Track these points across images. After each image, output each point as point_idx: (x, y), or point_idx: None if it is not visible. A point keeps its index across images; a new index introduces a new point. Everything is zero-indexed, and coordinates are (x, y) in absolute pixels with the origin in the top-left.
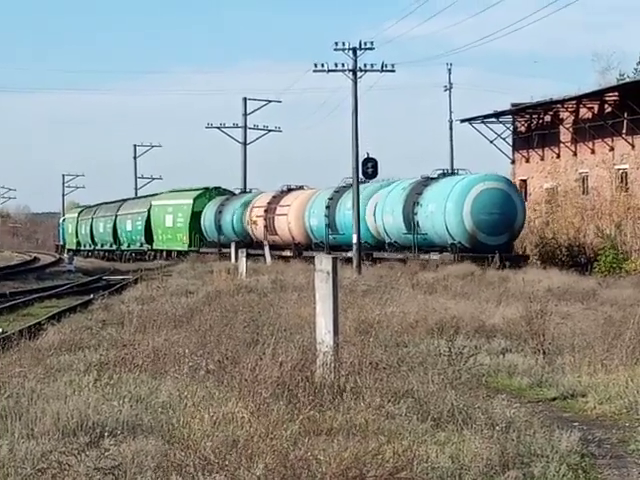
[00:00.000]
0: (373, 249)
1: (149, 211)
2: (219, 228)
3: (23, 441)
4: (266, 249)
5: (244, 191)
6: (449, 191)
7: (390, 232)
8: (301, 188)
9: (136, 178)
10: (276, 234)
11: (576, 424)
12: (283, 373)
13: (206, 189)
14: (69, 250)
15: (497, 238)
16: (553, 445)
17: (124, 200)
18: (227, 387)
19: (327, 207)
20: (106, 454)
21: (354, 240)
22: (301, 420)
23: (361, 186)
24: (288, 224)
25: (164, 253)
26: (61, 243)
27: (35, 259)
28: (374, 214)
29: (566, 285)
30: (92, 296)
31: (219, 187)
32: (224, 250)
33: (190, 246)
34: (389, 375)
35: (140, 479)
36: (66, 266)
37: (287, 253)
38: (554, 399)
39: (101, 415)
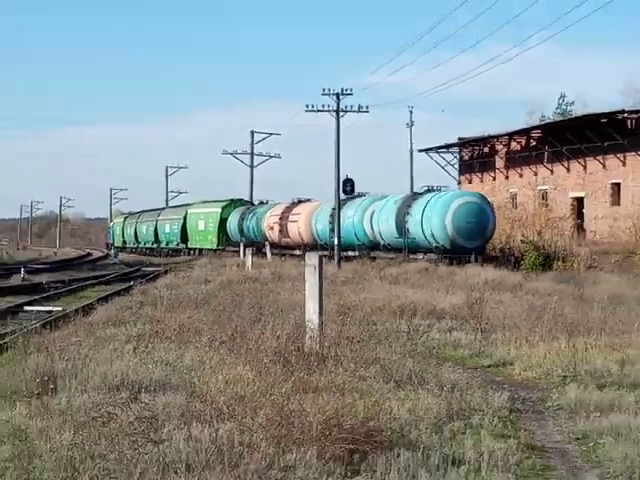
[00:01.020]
0: (369, 249)
1: (185, 217)
2: (242, 231)
3: (78, 395)
4: (267, 248)
5: (261, 203)
6: (434, 204)
7: (384, 236)
8: (308, 201)
9: (167, 192)
10: (288, 237)
11: (505, 386)
12: (280, 344)
13: (231, 200)
14: (115, 247)
15: (473, 242)
16: (488, 402)
17: (162, 208)
18: (236, 354)
19: (331, 215)
20: (143, 405)
21: (335, 242)
22: (293, 380)
23: (359, 199)
24: (298, 229)
25: (196, 251)
26: (110, 242)
27: (88, 254)
28: (370, 221)
29: (499, 278)
30: (132, 283)
31: (242, 199)
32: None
33: (218, 245)
34: (361, 347)
35: (168, 425)
36: (112, 259)
37: (297, 252)
38: (489, 366)
39: (139, 375)
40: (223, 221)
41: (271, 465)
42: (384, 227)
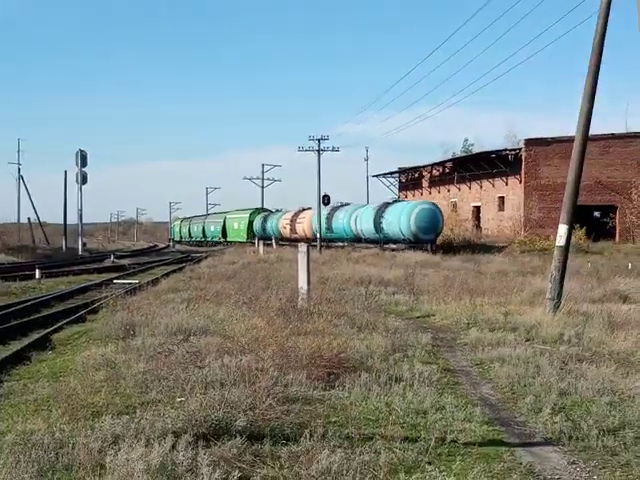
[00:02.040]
0: (354, 242)
1: (224, 220)
2: (264, 230)
3: (149, 338)
4: (273, 241)
5: (277, 210)
6: (401, 210)
7: (365, 233)
8: (309, 208)
9: (207, 204)
10: (296, 233)
11: (429, 330)
12: (281, 304)
13: (256, 209)
14: (174, 240)
15: (429, 236)
16: (418, 340)
17: (208, 214)
18: (253, 311)
19: (327, 218)
20: (191, 344)
21: (318, 236)
22: (290, 328)
23: (347, 206)
24: (303, 228)
25: (232, 243)
26: (172, 237)
27: (155, 246)
28: (355, 222)
29: (425, 260)
30: (184, 264)
31: (263, 207)
32: (267, 242)
33: (247, 239)
34: (335, 305)
35: (208, 357)
36: (171, 249)
37: (302, 243)
38: (418, 317)
39: (189, 324)
40: (250, 223)
41: (276, 383)
42: (365, 226)
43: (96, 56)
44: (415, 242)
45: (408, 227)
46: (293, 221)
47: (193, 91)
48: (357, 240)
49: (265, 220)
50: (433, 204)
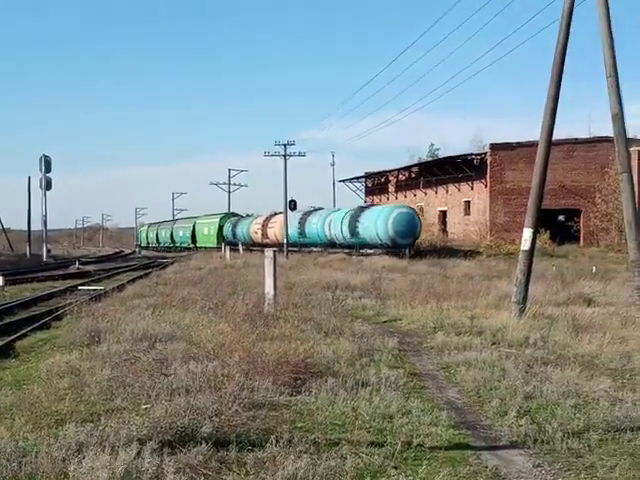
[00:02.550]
0: (328, 247)
1: (194, 226)
2: (234, 235)
3: (114, 344)
4: (240, 246)
5: (247, 215)
6: (378, 214)
7: (338, 238)
8: (281, 213)
9: (173, 209)
10: (268, 238)
11: (396, 334)
12: (248, 309)
13: (226, 214)
14: (140, 246)
15: (407, 240)
16: (384, 344)
17: (176, 219)
18: (219, 316)
19: (299, 223)
20: (156, 350)
21: (285, 241)
22: (257, 333)
23: (320, 210)
24: (275, 233)
25: (202, 248)
26: (138, 243)
27: (121, 251)
28: (329, 227)
29: (392, 264)
30: (150, 270)
31: (233, 212)
32: (235, 247)
33: (217, 244)
34: (302, 310)
35: (174, 363)
36: (137, 254)
37: (274, 248)
38: (385, 322)
39: (155, 331)
40: (220, 228)
41: (242, 389)
42: (339, 230)
43: (48, 57)
44: (393, 247)
45: (385, 232)
46: (265, 226)
47: (158, 97)
48: (331, 245)
49: (236, 225)
50: (410, 208)
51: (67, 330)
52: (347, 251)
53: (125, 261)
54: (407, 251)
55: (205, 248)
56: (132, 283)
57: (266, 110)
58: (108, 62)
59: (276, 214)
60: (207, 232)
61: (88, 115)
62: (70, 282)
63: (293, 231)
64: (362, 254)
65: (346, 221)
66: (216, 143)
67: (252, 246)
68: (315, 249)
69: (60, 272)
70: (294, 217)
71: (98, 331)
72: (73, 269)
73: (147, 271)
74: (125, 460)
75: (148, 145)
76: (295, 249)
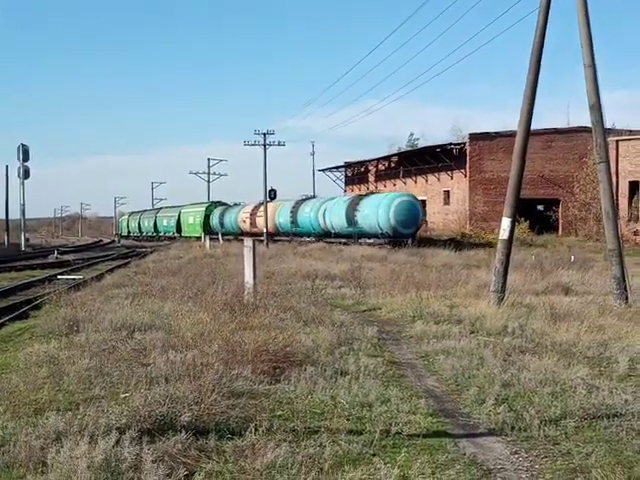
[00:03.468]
0: (323, 237)
1: (179, 215)
2: (222, 225)
3: (93, 334)
4: (219, 235)
5: (235, 204)
6: (379, 202)
7: (336, 227)
8: (271, 201)
9: (152, 199)
10: (257, 227)
11: (375, 323)
12: (227, 298)
13: (212, 202)
14: (120, 235)
15: (409, 230)
16: (364, 333)
17: (160, 208)
18: (198, 306)
19: (291, 211)
20: (136, 340)
21: (264, 231)
22: (236, 322)
23: (313, 199)
24: (264, 222)
25: (188, 238)
26: (119, 232)
27: (100, 241)
28: (323, 216)
29: (372, 253)
30: (129, 260)
31: (220, 201)
32: (225, 237)
33: (203, 234)
34: (281, 299)
35: (153, 352)
36: (116, 244)
37: (262, 238)
38: (364, 311)
39: (134, 320)
40: (207, 217)
41: (221, 377)
42: (335, 220)
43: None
44: (394, 237)
45: (387, 221)
46: (253, 215)
47: (138, 85)
48: (326, 235)
49: (223, 214)
50: (412, 196)
51: (46, 320)
52: (344, 241)
53: (104, 250)
54: (410, 241)
55: (191, 238)
56: (111, 272)
57: (246, 99)
58: (91, 53)
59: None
60: (193, 221)
61: (67, 104)
62: (49, 271)
63: (285, 220)
64: (361, 244)
65: (343, 210)
66: (196, 132)
67: (240, 235)
68: (308, 239)
69: (39, 261)
70: (286, 206)
71: (77, 320)
72: (52, 258)
73: (126, 260)
74: (104, 449)
75: (127, 134)
76: (287, 239)
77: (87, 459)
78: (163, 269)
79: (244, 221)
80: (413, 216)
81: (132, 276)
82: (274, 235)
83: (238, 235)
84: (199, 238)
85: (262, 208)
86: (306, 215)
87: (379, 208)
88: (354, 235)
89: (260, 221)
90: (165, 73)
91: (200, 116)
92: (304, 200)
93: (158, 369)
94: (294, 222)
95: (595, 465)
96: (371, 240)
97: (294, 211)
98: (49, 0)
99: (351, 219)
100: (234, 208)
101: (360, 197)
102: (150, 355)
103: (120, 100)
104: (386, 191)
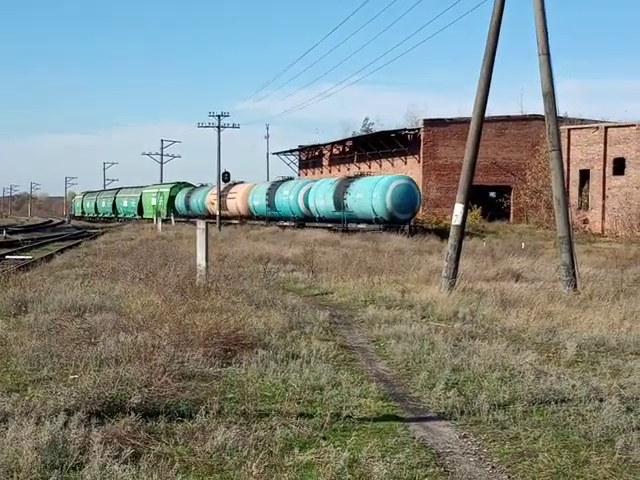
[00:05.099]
0: (303, 221)
1: (141, 195)
2: (188, 207)
3: (41, 314)
4: (172, 218)
5: (202, 185)
6: (374, 185)
7: (320, 211)
8: (242, 182)
9: (104, 179)
10: (227, 210)
11: (327, 307)
12: (179, 280)
13: (178, 183)
14: (73, 216)
15: (406, 215)
16: (315, 317)
17: (119, 188)
18: (149, 287)
19: (267, 194)
20: (85, 321)
21: (217, 214)
22: (188, 304)
23: (291, 181)
24: (236, 204)
25: (150, 220)
26: (72, 213)
27: (50, 221)
28: (304, 199)
29: (325, 238)
30: (80, 241)
31: (186, 182)
32: (191, 220)
33: (167, 216)
34: (233, 282)
35: (103, 334)
36: (67, 224)
37: (234, 222)
38: (317, 295)
39: (84, 301)
40: (171, 198)
41: (172, 360)
42: (320, 203)
43: None
44: (390, 222)
45: (383, 205)
46: (223, 196)
47: (91, 62)
48: (308, 219)
49: (189, 195)
50: (410, 179)
51: None
52: (330, 226)
53: (54, 231)
54: (407, 227)
55: (155, 220)
56: (61, 253)
57: (201, 81)
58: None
59: (236, 184)
60: (156, 203)
61: (16, 81)
62: None
63: (260, 203)
64: (351, 230)
65: (330, 193)
66: (149, 113)
67: (208, 218)
68: (286, 223)
69: None
70: (261, 187)
71: (25, 301)
72: (0, 238)
73: (77, 241)
74: (51, 430)
75: (78, 113)
76: (262, 222)
77: (33, 440)
78: (114, 250)
79: (212, 203)
80: (410, 200)
81: (82, 257)
82: (248, 219)
83: (205, 217)
84: (165, 221)
85: (233, 190)
86: (284, 198)
87: (374, 192)
88: (343, 220)
89: (232, 203)
90: (116, 51)
91: (153, 96)
92: (282, 182)
93: (108, 350)
94: (270, 205)
95: (542, 449)
96: (363, 225)
97: (270, 193)
98: None
99: (339, 203)
100: (201, 189)
101: (350, 179)
102: (100, 336)
103: (71, 79)
104: (340, 175)
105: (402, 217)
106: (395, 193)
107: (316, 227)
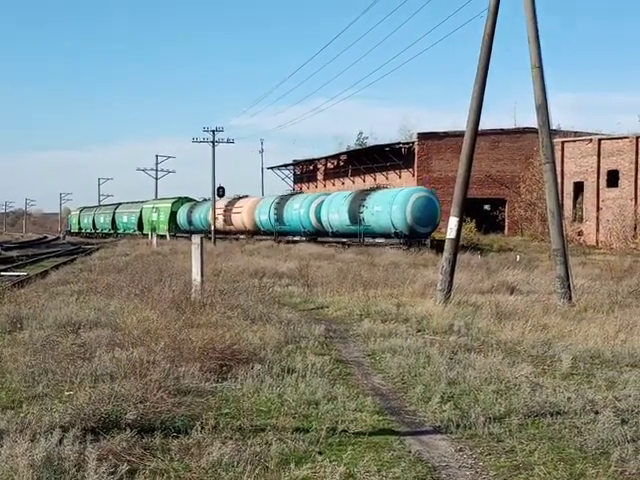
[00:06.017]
0: (315, 235)
1: (141, 211)
2: (190, 222)
3: (37, 331)
4: (166, 234)
5: (204, 199)
6: (392, 198)
7: (335, 225)
8: (247, 196)
9: (99, 195)
10: (232, 225)
11: (323, 321)
12: (174, 295)
13: (180, 198)
14: (69, 232)
15: (426, 229)
16: (311, 332)
17: (119, 203)
18: (145, 303)
19: (276, 208)
20: (80, 337)
21: (212, 228)
22: (183, 320)
23: (302, 195)
24: (242, 219)
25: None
26: (68, 228)
27: (45, 237)
28: (315, 213)
29: (319, 252)
30: (75, 257)
31: (187, 197)
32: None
33: (169, 232)
34: (229, 297)
35: (98, 350)
36: (62, 240)
37: (241, 237)
38: (312, 309)
39: (79, 317)
40: (173, 214)
41: (167, 375)
42: (334, 217)
43: None
44: (410, 236)
45: (403, 218)
46: (228, 211)
47: (85, 78)
48: (320, 234)
49: (192, 210)
50: (429, 191)
51: None
52: (345, 240)
53: (49, 247)
54: (428, 242)
55: (150, 235)
56: (56, 269)
57: (195, 97)
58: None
59: (241, 198)
60: (157, 218)
61: (11, 99)
62: None
63: (267, 218)
64: (369, 244)
65: (345, 207)
66: (143, 129)
67: (210, 234)
68: (297, 238)
69: None
70: (267, 202)
71: (20, 317)
72: None
73: (72, 257)
74: (46, 447)
75: (73, 130)
76: (270, 237)
77: (28, 457)
78: (109, 266)
79: (216, 218)
80: (431, 214)
81: (77, 273)
82: (254, 234)
83: (208, 233)
84: (164, 237)
85: (238, 204)
86: (295, 212)
87: (393, 205)
88: (359, 234)
89: (237, 218)
90: (110, 69)
91: (147, 112)
92: (291, 195)
93: (103, 366)
94: (279, 220)
95: (538, 462)
96: (381, 240)
97: (279, 207)
98: None
99: (355, 216)
100: (203, 204)
101: (366, 192)
102: (96, 352)
103: (64, 95)
104: (334, 190)
105: (422, 231)
106: (415, 206)
107: (330, 243)
